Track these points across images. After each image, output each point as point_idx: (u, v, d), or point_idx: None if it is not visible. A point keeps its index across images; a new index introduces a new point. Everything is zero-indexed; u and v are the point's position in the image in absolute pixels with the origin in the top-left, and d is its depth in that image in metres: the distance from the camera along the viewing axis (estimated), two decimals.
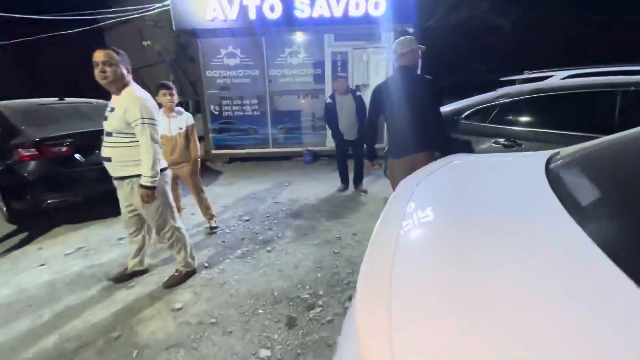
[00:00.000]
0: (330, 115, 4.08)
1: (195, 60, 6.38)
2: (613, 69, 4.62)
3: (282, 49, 6.20)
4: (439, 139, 2.59)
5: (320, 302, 2.11)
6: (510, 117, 2.96)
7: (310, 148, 6.28)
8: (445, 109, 3.45)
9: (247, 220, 3.52)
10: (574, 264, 0.62)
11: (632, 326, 0.47)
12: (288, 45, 6.19)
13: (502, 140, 2.89)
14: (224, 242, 3.04)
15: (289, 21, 5.64)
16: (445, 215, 0.94)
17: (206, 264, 2.64)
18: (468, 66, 10.40)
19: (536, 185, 0.95)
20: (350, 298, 2.13)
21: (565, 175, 0.98)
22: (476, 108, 3.15)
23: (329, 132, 5.31)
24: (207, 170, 5.93)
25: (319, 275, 2.45)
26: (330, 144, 6.13)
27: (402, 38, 2.65)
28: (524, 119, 2.90)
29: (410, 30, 6.15)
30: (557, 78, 5.33)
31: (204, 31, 5.87)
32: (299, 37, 6.16)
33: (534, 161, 1.15)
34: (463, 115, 3.22)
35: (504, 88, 3.28)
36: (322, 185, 4.71)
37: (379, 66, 7.19)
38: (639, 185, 0.79)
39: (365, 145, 3.08)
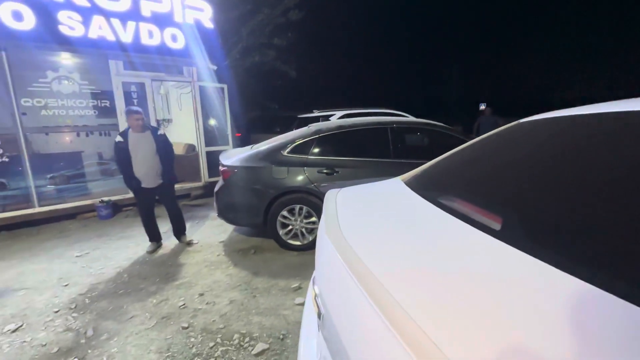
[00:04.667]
0: (120, 156, 3.23)
1: None
2: (373, 111, 6.48)
3: (42, 72, 4.58)
4: None
5: None
6: (326, 149, 3.45)
7: (105, 198, 4.87)
8: (266, 145, 3.62)
9: (15, 331, 2.22)
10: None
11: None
12: (52, 68, 4.65)
13: (324, 169, 3.32)
14: None
15: (51, 38, 4.27)
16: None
17: None
18: (264, 104, 11.60)
19: (407, 193, 1.17)
20: None
21: (417, 184, 1.25)
22: (297, 143, 3.47)
23: None
24: None
25: None
26: None
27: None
28: (336, 150, 3.46)
29: (214, 67, 6.15)
30: (336, 117, 6.85)
31: None
32: (68, 59, 4.77)
33: (395, 183, 1.36)
34: (287, 150, 3.47)
35: (315, 125, 3.82)
36: (136, 243, 3.73)
37: (182, 100, 6.71)
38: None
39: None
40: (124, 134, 3.27)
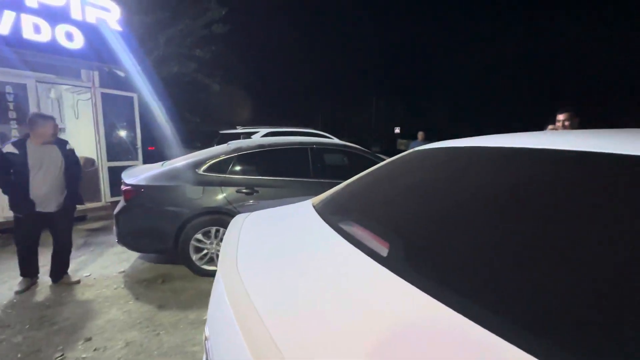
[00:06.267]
0: (6, 172, 2.61)
1: None
2: (297, 130, 6.60)
3: None
4: None
5: None
6: (246, 168, 3.35)
7: None
8: (180, 162, 3.35)
9: None
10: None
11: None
12: None
13: (244, 188, 3.20)
14: None
15: None
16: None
17: None
18: (184, 117, 10.85)
19: (313, 218, 1.18)
20: None
21: (325, 208, 1.27)
22: (215, 161, 3.29)
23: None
24: None
25: None
26: (7, 212, 4.02)
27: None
28: (256, 169, 3.38)
29: (121, 74, 5.52)
30: (260, 134, 6.79)
31: None
32: None
33: (305, 207, 1.35)
34: (203, 168, 3.26)
35: (235, 142, 3.69)
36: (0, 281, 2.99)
37: (80, 108, 5.80)
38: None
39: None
40: (20, 145, 2.64)
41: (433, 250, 0.80)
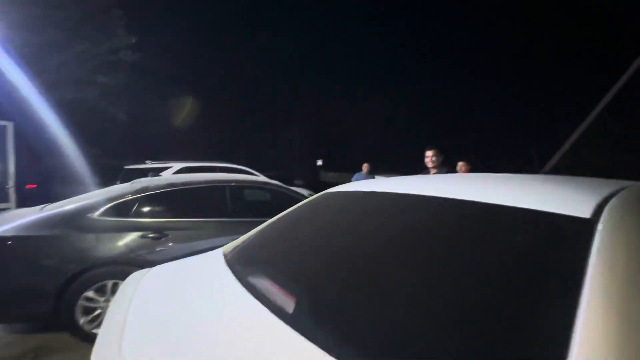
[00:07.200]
0: None
1: None
2: (217, 165, 6.30)
3: None
4: None
5: None
6: (154, 210, 3.02)
7: None
8: (66, 206, 2.86)
9: None
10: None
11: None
12: None
13: (150, 233, 2.85)
14: None
15: None
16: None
17: None
18: (82, 149, 9.41)
19: (221, 273, 1.10)
20: None
21: (235, 258, 1.20)
22: (114, 203, 2.90)
23: None
24: None
25: None
26: None
27: None
28: (166, 210, 3.08)
29: None
30: (173, 170, 6.28)
31: None
32: None
33: (214, 258, 1.26)
34: (98, 212, 2.83)
35: (140, 181, 3.33)
36: None
37: None
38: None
39: None
40: None
41: (338, 306, 0.81)
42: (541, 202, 0.84)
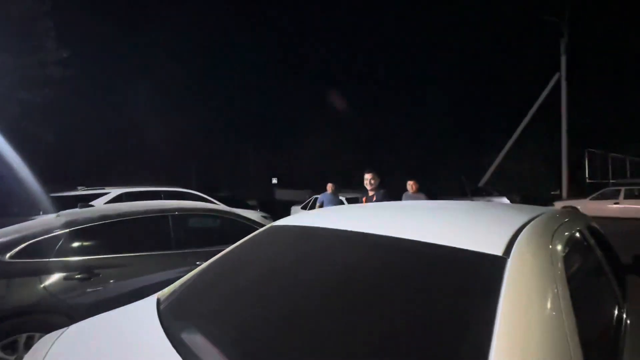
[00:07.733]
0: None
1: None
2: (163, 189, 5.85)
3: None
4: None
5: None
6: (82, 247, 2.70)
7: None
8: None
9: None
10: None
11: None
12: None
13: (77, 274, 2.53)
14: None
15: None
16: None
17: None
18: None
19: (151, 330, 0.99)
20: None
21: (170, 309, 1.10)
22: (32, 242, 2.54)
23: None
24: None
25: None
26: None
27: None
28: (97, 246, 2.77)
29: None
30: (110, 196, 5.73)
31: None
32: None
33: (145, 309, 1.14)
34: (10, 253, 2.46)
35: (67, 213, 2.98)
36: None
37: None
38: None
39: None
40: None
41: None
42: (459, 238, 0.91)
